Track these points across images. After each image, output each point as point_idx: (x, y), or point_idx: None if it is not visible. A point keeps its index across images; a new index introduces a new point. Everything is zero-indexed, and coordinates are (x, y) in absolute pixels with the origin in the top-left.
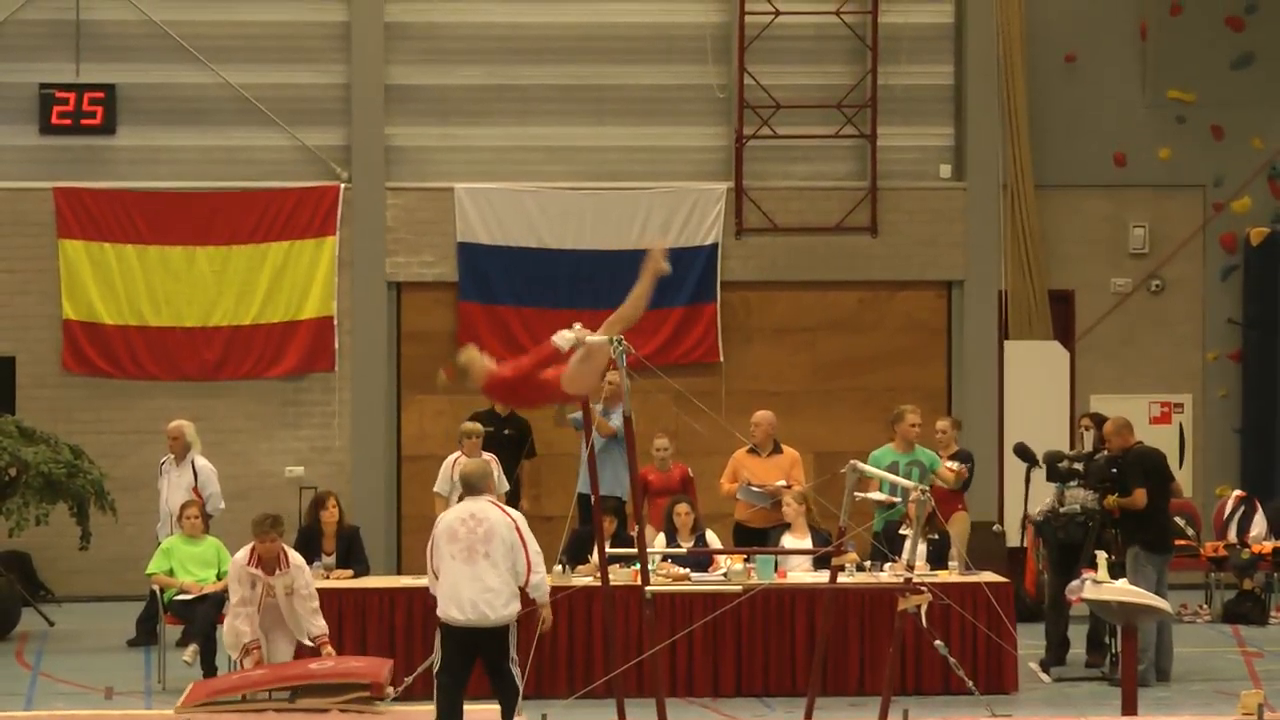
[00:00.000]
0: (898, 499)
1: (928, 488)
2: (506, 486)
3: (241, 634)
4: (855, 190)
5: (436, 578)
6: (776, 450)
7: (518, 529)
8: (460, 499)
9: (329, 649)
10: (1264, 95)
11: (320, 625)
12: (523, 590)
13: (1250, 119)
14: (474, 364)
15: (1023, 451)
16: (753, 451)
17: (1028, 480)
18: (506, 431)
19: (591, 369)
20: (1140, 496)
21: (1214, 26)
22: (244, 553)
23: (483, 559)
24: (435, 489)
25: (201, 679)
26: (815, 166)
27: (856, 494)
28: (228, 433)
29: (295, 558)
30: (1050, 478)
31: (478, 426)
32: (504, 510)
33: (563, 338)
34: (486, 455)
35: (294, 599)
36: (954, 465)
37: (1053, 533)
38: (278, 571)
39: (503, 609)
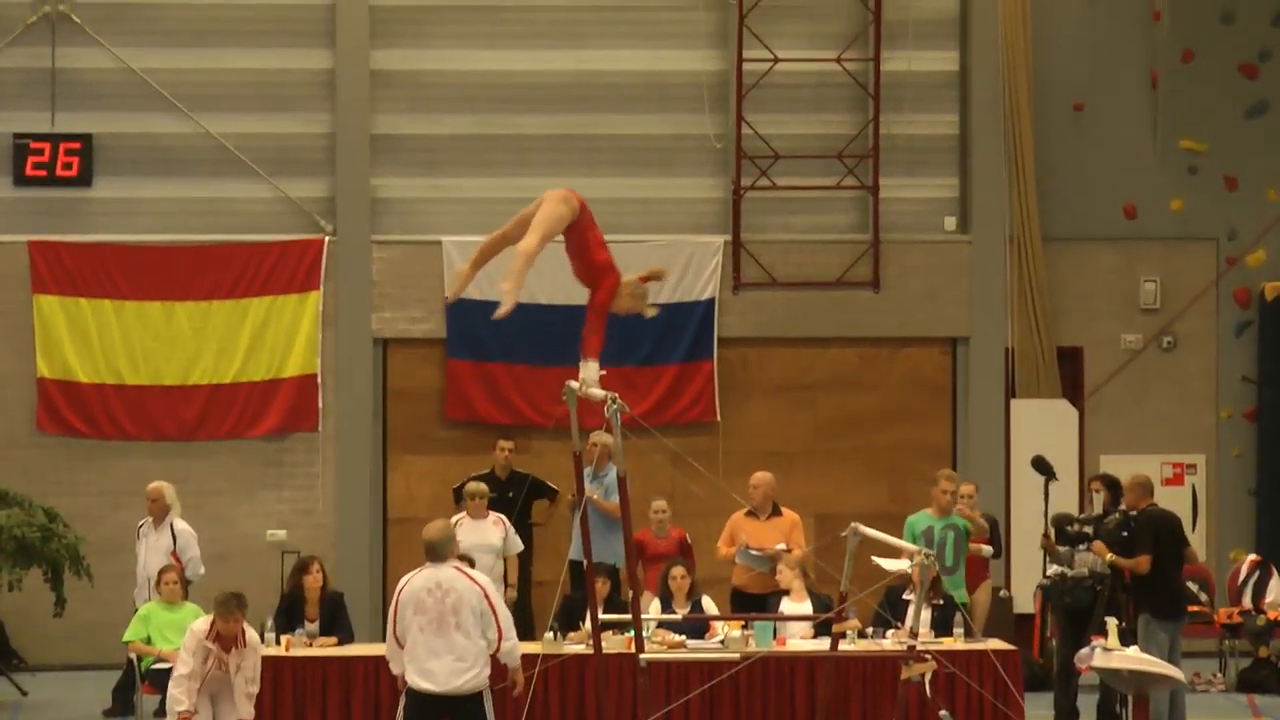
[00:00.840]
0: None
1: (933, 552)
2: (520, 547)
3: (178, 702)
4: (857, 243)
5: (400, 646)
6: (776, 512)
7: (487, 596)
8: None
9: None
10: (1278, 144)
11: (248, 711)
12: (493, 656)
13: (1265, 169)
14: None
15: (1040, 464)
16: (751, 514)
17: (1046, 495)
18: (510, 494)
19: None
20: (1143, 562)
21: (1227, 74)
22: (204, 625)
23: (454, 630)
24: None
25: None
26: (815, 219)
27: (875, 560)
28: (208, 495)
29: (253, 638)
30: (1059, 541)
31: (483, 487)
32: (470, 577)
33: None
34: (494, 516)
35: (238, 677)
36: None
37: (1060, 597)
38: (234, 649)
39: (476, 677)
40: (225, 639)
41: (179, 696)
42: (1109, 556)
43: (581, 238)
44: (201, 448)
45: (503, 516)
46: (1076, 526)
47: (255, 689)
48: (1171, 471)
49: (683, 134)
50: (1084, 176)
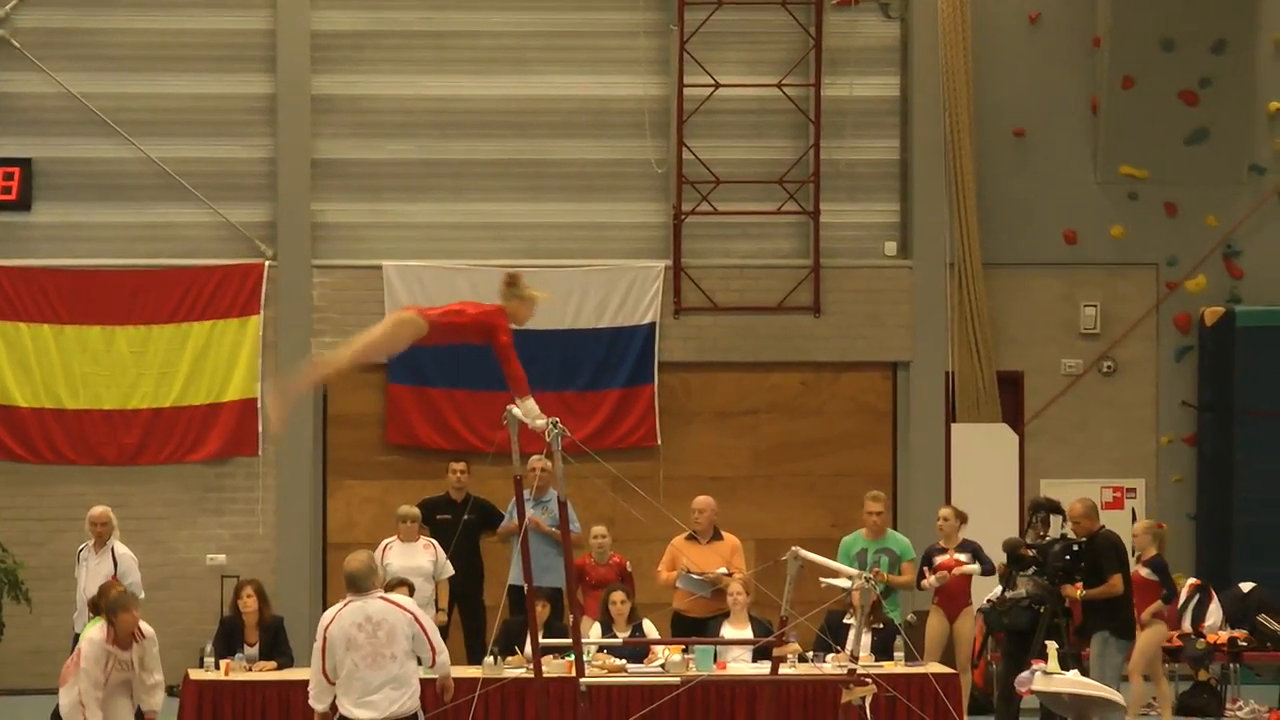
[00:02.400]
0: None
1: (871, 575)
2: (450, 571)
3: (94, 715)
4: (798, 268)
5: (330, 681)
6: (717, 537)
7: (417, 620)
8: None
9: None
10: (1218, 171)
11: (157, 701)
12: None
13: (1204, 196)
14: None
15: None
16: (692, 538)
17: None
18: (467, 517)
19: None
20: (1117, 582)
21: (1167, 101)
22: (100, 631)
23: (390, 660)
24: None
25: None
26: (756, 244)
27: (823, 580)
28: (147, 519)
29: (148, 629)
30: (1010, 565)
31: (414, 510)
32: (397, 605)
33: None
34: (424, 540)
35: (141, 672)
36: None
37: (999, 619)
38: (133, 645)
39: (411, 701)
40: (123, 638)
41: (95, 710)
42: (1079, 593)
43: (450, 333)
44: (141, 472)
45: (433, 541)
46: (1026, 550)
47: (158, 676)
48: (1111, 496)
49: (624, 159)
50: (1024, 202)
